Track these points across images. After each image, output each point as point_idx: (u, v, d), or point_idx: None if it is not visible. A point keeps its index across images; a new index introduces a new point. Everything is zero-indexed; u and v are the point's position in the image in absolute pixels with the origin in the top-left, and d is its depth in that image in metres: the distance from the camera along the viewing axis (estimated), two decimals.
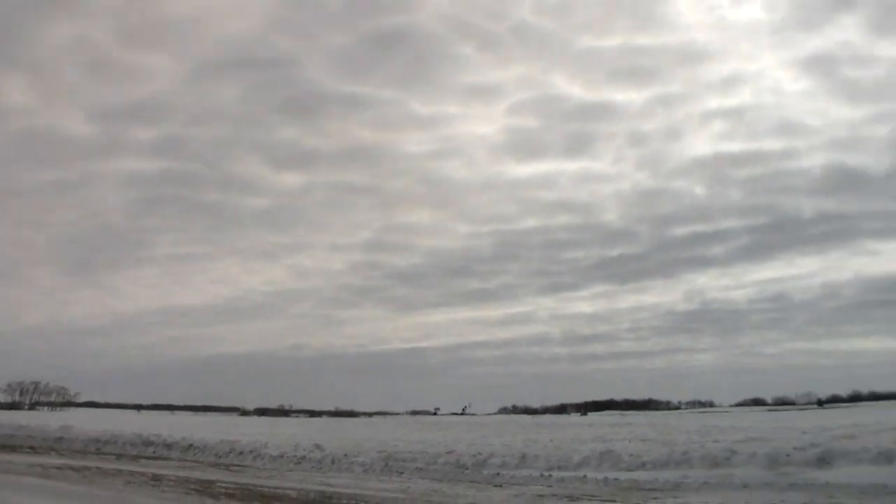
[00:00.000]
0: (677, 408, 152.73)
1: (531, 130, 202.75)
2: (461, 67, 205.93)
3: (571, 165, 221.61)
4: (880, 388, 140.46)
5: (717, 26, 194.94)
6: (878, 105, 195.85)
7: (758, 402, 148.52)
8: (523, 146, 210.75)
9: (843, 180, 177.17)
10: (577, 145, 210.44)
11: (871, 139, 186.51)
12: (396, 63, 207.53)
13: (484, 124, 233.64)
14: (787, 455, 20.80)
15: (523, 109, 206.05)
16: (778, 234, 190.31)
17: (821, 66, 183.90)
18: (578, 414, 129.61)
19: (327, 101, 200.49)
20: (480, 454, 26.07)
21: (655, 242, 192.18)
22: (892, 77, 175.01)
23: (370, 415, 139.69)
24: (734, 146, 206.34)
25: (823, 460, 19.99)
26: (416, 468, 24.88)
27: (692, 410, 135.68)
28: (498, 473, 22.86)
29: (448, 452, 27.24)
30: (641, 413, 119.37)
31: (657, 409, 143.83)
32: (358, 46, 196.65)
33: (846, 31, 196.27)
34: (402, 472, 24.21)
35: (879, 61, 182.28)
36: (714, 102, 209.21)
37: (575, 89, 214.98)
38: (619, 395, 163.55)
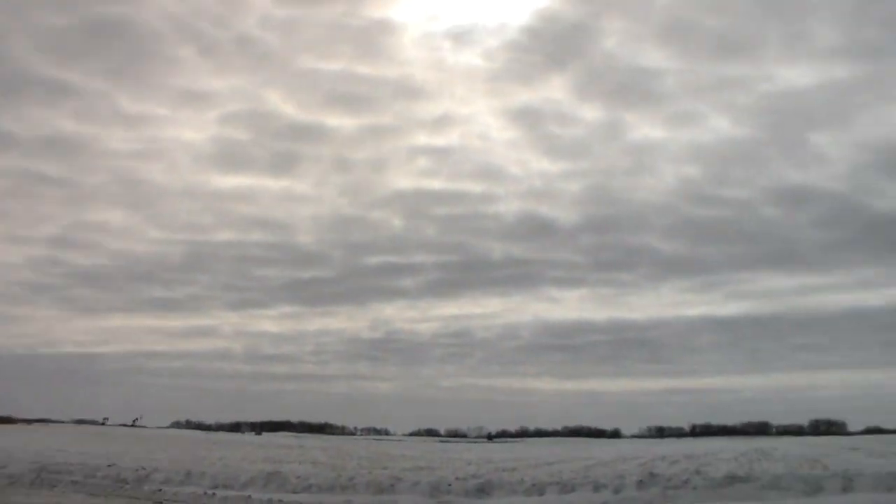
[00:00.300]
0: (353, 433, 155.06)
1: (239, 143, 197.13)
2: (177, 70, 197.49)
3: (274, 183, 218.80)
4: (545, 425, 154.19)
5: (436, 66, 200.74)
6: (573, 162, 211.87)
7: (431, 433, 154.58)
8: (229, 158, 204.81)
9: (534, 229, 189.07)
10: (283, 164, 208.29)
11: (563, 193, 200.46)
12: (110, 55, 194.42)
13: (192, 130, 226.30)
14: (450, 484, 21.75)
15: (234, 121, 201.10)
16: (467, 273, 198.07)
17: (528, 118, 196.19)
18: (253, 433, 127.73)
19: (29, 84, 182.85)
20: (144, 469, 24.91)
21: (348, 269, 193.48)
22: (589, 138, 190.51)
23: (30, 422, 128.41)
24: (436, 184, 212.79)
25: (483, 490, 21.09)
26: (72, 481, 23.29)
27: (367, 437, 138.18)
28: (160, 489, 21.88)
29: (109, 465, 25.78)
30: (317, 436, 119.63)
31: (333, 434, 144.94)
32: (71, 31, 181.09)
33: (554, 91, 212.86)
34: (55, 486, 22.61)
35: (580, 122, 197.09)
36: (423, 139, 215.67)
37: (288, 108, 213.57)
38: (295, 417, 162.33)
